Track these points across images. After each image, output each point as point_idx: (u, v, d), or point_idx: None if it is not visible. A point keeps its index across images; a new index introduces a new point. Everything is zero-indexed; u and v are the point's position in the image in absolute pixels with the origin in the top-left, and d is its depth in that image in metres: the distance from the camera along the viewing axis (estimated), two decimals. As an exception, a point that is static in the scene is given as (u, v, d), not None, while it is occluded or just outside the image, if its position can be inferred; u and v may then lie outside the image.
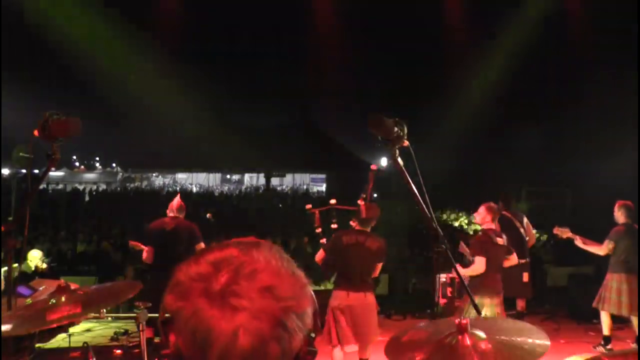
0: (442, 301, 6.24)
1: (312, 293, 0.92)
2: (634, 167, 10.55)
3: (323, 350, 4.76)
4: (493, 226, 5.44)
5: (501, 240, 5.35)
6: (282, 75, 21.77)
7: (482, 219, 5.47)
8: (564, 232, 6.42)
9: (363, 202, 4.99)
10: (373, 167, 5.52)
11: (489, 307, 5.13)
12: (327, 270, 5.29)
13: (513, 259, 5.49)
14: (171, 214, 5.86)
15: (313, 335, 0.95)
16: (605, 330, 6.41)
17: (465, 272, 5.19)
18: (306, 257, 8.23)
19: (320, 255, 5.14)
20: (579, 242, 6.42)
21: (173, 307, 0.84)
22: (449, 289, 6.20)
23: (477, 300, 4.86)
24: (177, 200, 5.98)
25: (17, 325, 2.23)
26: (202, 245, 5.69)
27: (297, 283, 0.88)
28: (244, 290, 0.82)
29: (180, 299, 0.84)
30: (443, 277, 6.23)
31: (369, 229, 5.01)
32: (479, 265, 5.20)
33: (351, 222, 5.14)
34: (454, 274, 5.82)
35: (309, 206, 5.60)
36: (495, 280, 5.27)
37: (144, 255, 5.72)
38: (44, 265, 7.54)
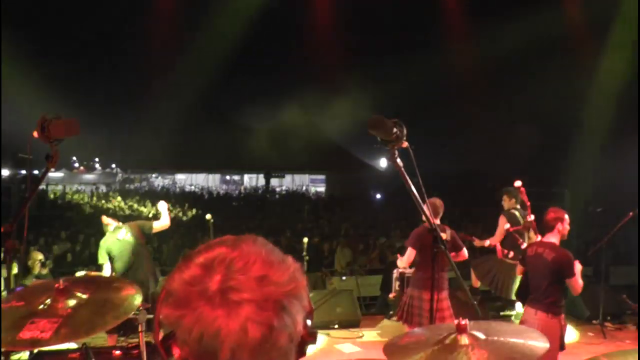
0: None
1: (304, 276, 0.92)
2: (634, 167, 10.55)
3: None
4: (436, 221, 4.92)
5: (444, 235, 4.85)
6: (282, 75, 21.76)
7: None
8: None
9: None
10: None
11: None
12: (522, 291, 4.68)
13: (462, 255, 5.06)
14: None
15: (309, 320, 0.94)
16: None
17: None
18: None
19: (519, 270, 4.70)
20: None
21: (172, 318, 0.82)
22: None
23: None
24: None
25: None
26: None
27: (289, 268, 0.88)
28: (242, 284, 0.81)
29: (178, 308, 0.82)
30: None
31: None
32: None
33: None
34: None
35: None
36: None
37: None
38: (44, 271, 7.47)
